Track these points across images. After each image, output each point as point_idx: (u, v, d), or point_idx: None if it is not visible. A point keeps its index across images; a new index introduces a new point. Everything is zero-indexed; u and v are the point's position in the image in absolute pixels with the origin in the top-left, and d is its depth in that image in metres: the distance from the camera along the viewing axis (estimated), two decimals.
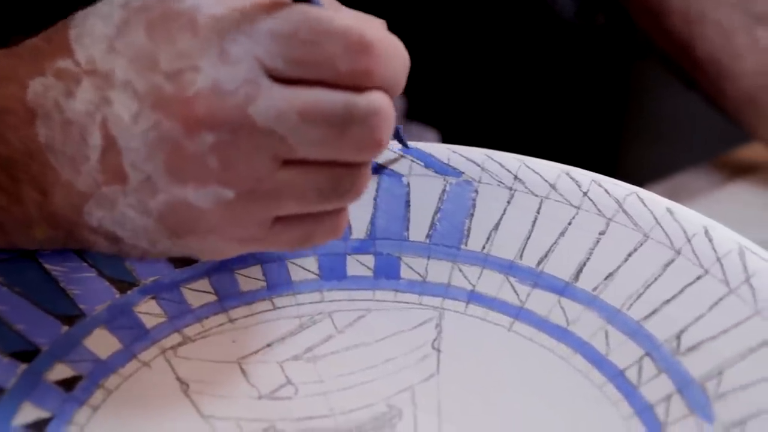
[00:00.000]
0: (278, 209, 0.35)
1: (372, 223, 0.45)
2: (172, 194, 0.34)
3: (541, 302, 0.42)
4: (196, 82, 0.33)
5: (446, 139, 0.78)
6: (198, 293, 0.42)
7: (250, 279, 0.43)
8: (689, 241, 0.41)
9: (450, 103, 0.87)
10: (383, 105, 0.34)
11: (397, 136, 0.46)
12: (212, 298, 0.42)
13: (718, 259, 0.40)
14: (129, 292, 0.42)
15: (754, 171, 0.69)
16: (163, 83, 0.33)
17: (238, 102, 0.33)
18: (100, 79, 0.34)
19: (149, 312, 0.41)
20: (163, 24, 0.34)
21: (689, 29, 0.69)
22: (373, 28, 0.34)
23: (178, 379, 0.40)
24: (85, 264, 0.42)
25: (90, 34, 0.35)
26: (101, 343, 0.40)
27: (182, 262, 0.43)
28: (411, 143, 0.46)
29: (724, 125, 0.71)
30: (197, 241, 0.36)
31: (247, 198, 0.34)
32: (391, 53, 0.35)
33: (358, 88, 0.34)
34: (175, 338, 0.41)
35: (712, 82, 0.68)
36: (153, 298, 0.42)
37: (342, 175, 0.35)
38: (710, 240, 0.41)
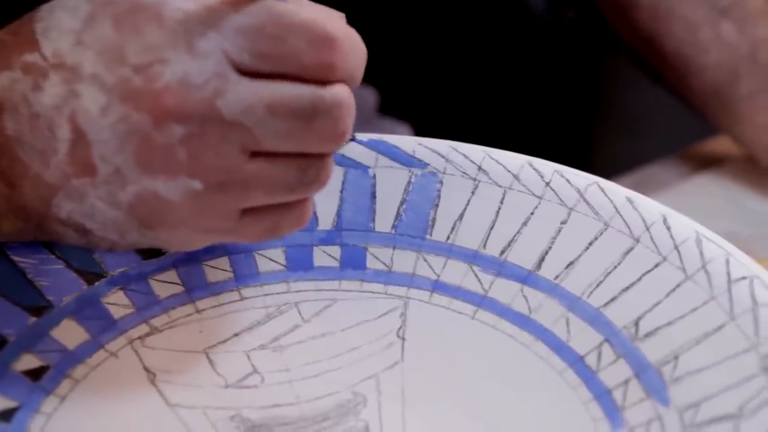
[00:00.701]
0: (246, 201, 0.36)
1: (338, 214, 0.46)
2: (142, 186, 0.35)
3: (504, 291, 0.43)
4: (164, 74, 0.33)
5: (419, 133, 0.79)
6: (165, 284, 0.43)
7: (217, 270, 0.44)
8: (648, 229, 0.42)
9: (423, 97, 0.88)
10: (345, 97, 0.35)
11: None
12: (180, 289, 0.43)
13: (676, 247, 0.41)
14: (97, 283, 0.42)
15: (720, 163, 0.70)
16: (132, 76, 0.34)
17: (207, 95, 0.34)
18: (67, 73, 0.34)
19: (117, 303, 0.42)
20: (130, 17, 0.34)
21: (656, 24, 0.70)
22: (335, 21, 0.35)
23: (145, 368, 0.40)
24: (53, 256, 0.42)
25: (57, 28, 0.35)
26: (69, 333, 0.40)
27: (150, 253, 0.43)
28: (379, 136, 0.47)
29: (695, 118, 0.72)
30: (166, 233, 0.36)
31: (215, 189, 0.35)
32: (352, 47, 0.35)
33: (323, 81, 0.35)
34: (143, 329, 0.41)
35: (678, 75, 0.69)
36: (121, 289, 0.42)
37: (308, 165, 0.36)
38: (668, 228, 0.41)
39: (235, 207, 0.36)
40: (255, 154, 0.35)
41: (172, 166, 0.34)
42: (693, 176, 0.69)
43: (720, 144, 0.72)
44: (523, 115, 0.88)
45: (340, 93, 0.35)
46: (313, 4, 0.36)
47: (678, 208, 0.64)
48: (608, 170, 0.75)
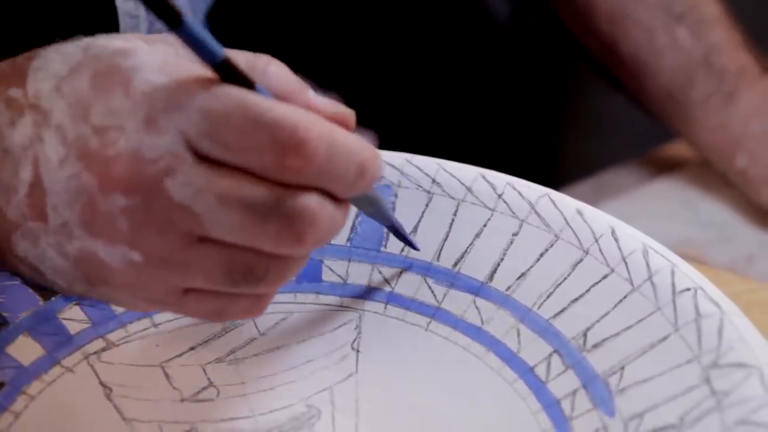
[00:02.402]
0: (187, 282, 0.35)
1: None
2: (85, 245, 0.34)
3: (457, 302, 0.43)
4: (118, 142, 0.33)
5: (384, 140, 0.79)
6: (110, 304, 0.43)
7: None
8: (597, 241, 0.42)
9: (389, 104, 0.88)
10: (311, 205, 0.33)
11: (405, 241, 0.45)
12: None
13: (623, 259, 0.41)
14: (53, 298, 0.42)
15: (678, 168, 0.71)
16: (90, 136, 0.33)
17: (156, 172, 0.32)
18: (40, 116, 0.34)
19: (73, 318, 0.42)
20: (105, 77, 0.34)
21: (614, 29, 0.71)
22: (314, 125, 0.33)
23: (102, 383, 0.41)
24: (9, 272, 0.42)
25: (45, 69, 0.35)
26: (24, 349, 0.40)
27: None
28: None
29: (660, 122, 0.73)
30: (109, 292, 0.36)
31: (155, 265, 0.34)
32: (335, 153, 0.33)
33: (289, 184, 0.33)
34: (99, 343, 0.42)
35: (635, 80, 0.70)
36: (77, 304, 0.43)
37: (257, 262, 0.34)
38: (616, 240, 0.42)
39: (176, 285, 0.35)
40: (203, 239, 0.34)
41: (112, 234, 0.33)
42: (650, 181, 0.71)
43: (677, 149, 0.73)
44: (488, 121, 0.89)
45: (305, 201, 0.33)
46: (296, 108, 0.33)
47: (635, 213, 0.65)
48: (573, 174, 0.76)
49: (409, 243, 0.45)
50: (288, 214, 0.33)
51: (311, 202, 0.33)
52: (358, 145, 0.34)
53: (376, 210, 0.42)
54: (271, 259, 0.34)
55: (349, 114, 0.36)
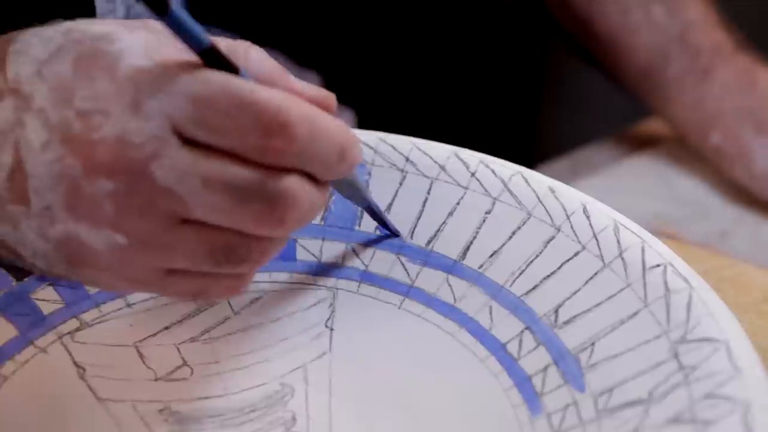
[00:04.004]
0: (170, 263, 0.35)
1: None
2: (68, 228, 0.34)
3: (431, 280, 0.44)
4: (103, 127, 0.33)
5: (363, 118, 0.79)
6: (91, 286, 0.43)
7: None
8: (568, 218, 0.43)
9: (367, 83, 0.88)
10: (292, 187, 0.34)
11: (384, 225, 0.45)
12: None
13: (595, 236, 0.42)
14: (26, 279, 0.42)
15: (654, 145, 0.72)
16: (73, 120, 0.33)
17: (142, 156, 0.33)
18: (20, 100, 0.34)
19: (46, 299, 0.42)
20: (88, 61, 0.34)
21: (589, 6, 0.71)
22: (296, 107, 0.33)
23: (75, 363, 0.41)
24: None
25: (25, 53, 0.35)
26: None
27: None
28: None
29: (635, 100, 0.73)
30: (91, 274, 0.36)
31: (138, 247, 0.34)
32: (316, 136, 0.34)
33: (271, 166, 0.34)
34: (73, 324, 0.42)
35: (610, 57, 0.71)
36: (50, 284, 0.43)
37: (239, 243, 0.35)
38: (588, 217, 0.42)
39: (159, 266, 0.35)
40: (185, 221, 0.34)
41: (97, 217, 0.34)
42: (627, 158, 0.71)
43: (653, 126, 0.73)
44: (466, 100, 0.89)
45: (286, 182, 0.34)
46: (278, 90, 0.34)
47: (611, 189, 0.65)
48: (551, 152, 0.76)
49: (387, 227, 0.45)
50: (270, 196, 0.34)
51: (293, 184, 0.34)
52: (340, 128, 0.35)
53: (355, 193, 0.42)
54: (253, 240, 0.35)
55: (329, 97, 0.37)
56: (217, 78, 0.33)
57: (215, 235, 0.34)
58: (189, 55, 0.33)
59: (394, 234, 0.45)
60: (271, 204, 0.34)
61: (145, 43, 0.34)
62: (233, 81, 0.33)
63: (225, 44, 0.35)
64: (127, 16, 0.54)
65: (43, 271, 0.37)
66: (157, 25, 0.35)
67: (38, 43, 0.35)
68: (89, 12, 0.52)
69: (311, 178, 0.35)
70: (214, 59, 0.33)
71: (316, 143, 0.34)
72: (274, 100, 0.33)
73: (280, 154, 0.33)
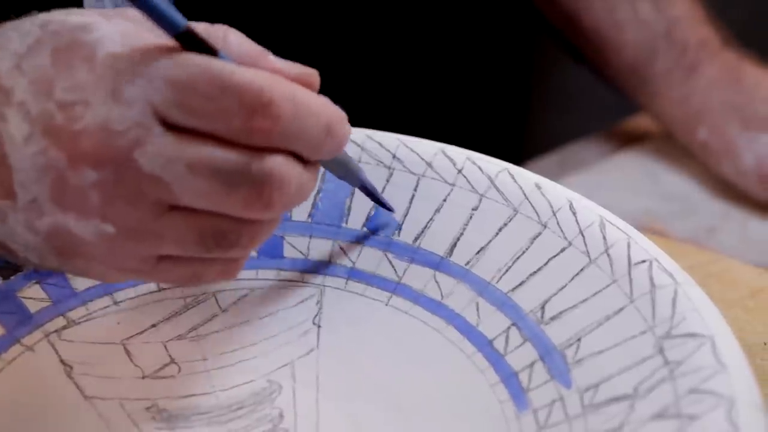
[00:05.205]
0: (160, 249, 0.35)
1: None
2: (56, 220, 0.34)
3: (418, 277, 0.44)
4: (84, 117, 0.33)
5: (350, 114, 0.79)
6: (83, 277, 0.43)
7: None
8: (555, 214, 0.43)
9: (355, 78, 0.88)
10: (279, 168, 0.34)
11: (378, 202, 0.45)
12: (97, 281, 0.43)
13: (581, 232, 0.42)
14: (13, 277, 0.42)
15: (641, 141, 0.72)
16: (55, 112, 0.33)
17: (125, 144, 0.33)
18: (1, 95, 0.34)
19: (33, 297, 0.42)
20: (67, 52, 0.34)
21: (576, 2, 0.71)
22: (279, 86, 0.33)
23: (62, 361, 0.41)
24: None
25: (4, 48, 0.34)
26: None
27: None
28: None
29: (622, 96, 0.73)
30: (82, 264, 0.36)
31: (127, 235, 0.34)
32: (301, 113, 0.34)
33: (256, 147, 0.33)
34: (60, 322, 0.42)
35: (598, 54, 0.71)
36: (37, 282, 0.43)
37: (229, 227, 0.35)
38: (574, 213, 0.42)
39: (149, 254, 0.35)
40: (173, 208, 0.34)
41: (84, 207, 0.34)
42: (614, 154, 0.71)
43: (641, 122, 0.74)
44: (455, 96, 0.89)
45: (273, 163, 0.33)
46: (259, 70, 0.34)
47: (599, 186, 0.65)
48: (540, 148, 0.76)
49: (382, 204, 0.45)
50: (256, 178, 0.34)
51: (279, 165, 0.34)
52: (324, 104, 0.35)
53: (347, 172, 0.42)
54: (243, 224, 0.35)
55: (312, 74, 0.36)
56: (197, 60, 0.33)
57: (204, 220, 0.34)
58: (168, 41, 0.33)
59: (389, 210, 0.45)
60: (258, 186, 0.34)
61: (123, 30, 0.34)
62: (213, 63, 0.33)
63: (203, 27, 0.35)
64: (116, 7, 0.54)
65: (36, 264, 0.36)
66: (135, 14, 0.35)
67: (16, 36, 0.34)
68: (76, 3, 0.51)
69: (300, 159, 0.35)
70: (192, 42, 0.33)
71: (301, 121, 0.34)
72: (256, 80, 0.33)
73: (265, 135, 0.33)
